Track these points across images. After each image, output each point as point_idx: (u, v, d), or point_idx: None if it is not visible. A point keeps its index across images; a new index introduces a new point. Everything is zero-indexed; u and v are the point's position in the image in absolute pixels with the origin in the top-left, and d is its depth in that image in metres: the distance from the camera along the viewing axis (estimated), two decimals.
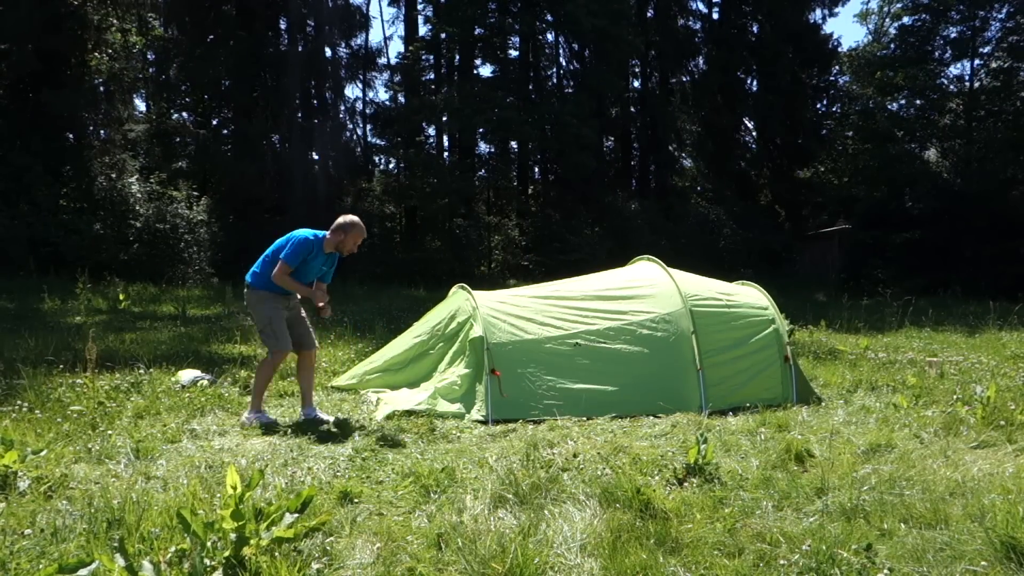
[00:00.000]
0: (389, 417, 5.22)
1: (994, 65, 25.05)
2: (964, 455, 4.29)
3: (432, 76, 27.63)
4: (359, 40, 28.40)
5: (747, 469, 4.08)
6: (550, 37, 27.69)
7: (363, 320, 10.28)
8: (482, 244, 24.54)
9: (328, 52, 26.02)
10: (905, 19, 26.28)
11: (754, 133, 33.96)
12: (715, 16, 32.98)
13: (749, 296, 6.40)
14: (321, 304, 5.11)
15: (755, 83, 32.78)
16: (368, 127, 29.24)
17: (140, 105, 25.52)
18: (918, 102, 26.01)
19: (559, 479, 3.81)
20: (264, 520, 2.83)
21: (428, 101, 24.51)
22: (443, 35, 25.12)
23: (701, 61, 32.68)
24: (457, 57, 27.22)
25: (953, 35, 25.20)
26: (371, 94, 43.61)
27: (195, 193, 19.79)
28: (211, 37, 22.86)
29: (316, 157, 25.62)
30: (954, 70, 26.30)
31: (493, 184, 27.84)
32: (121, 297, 11.60)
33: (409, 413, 5.28)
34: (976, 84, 25.40)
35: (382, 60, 29.89)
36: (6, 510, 3.22)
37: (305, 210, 21.09)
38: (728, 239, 27.26)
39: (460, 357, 5.80)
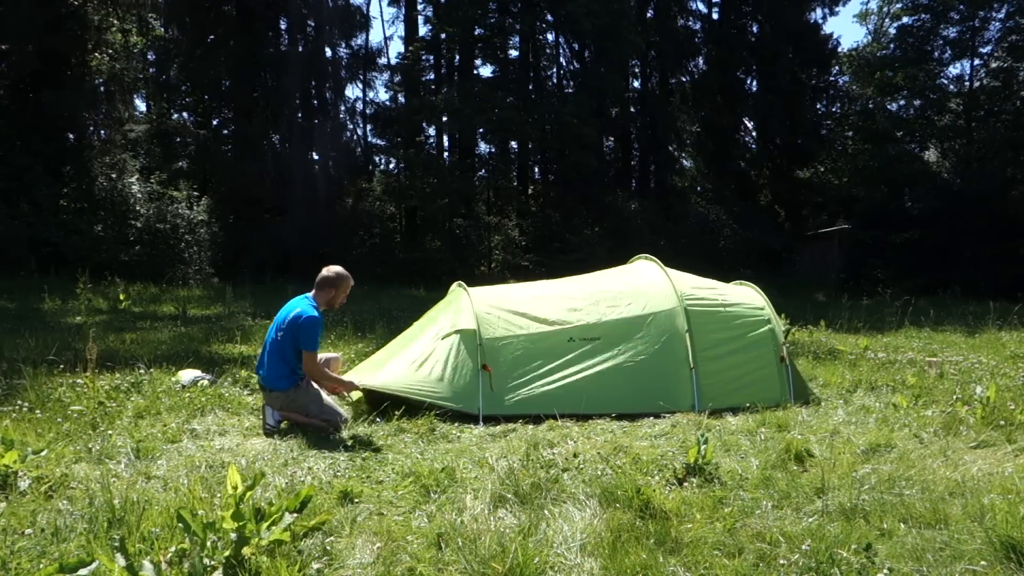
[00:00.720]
0: (360, 400, 5.32)
1: (994, 65, 25.06)
2: (964, 455, 4.29)
3: (432, 76, 27.64)
4: (359, 40, 28.43)
5: (747, 469, 4.09)
6: (550, 37, 27.72)
7: (363, 320, 10.27)
8: (482, 244, 24.54)
9: (328, 52, 26.02)
10: (905, 19, 26.29)
11: (754, 133, 33.97)
12: (715, 16, 33.03)
13: (745, 296, 6.40)
14: (350, 389, 5.25)
15: (755, 83, 32.81)
16: (368, 127, 29.28)
17: (140, 105, 25.59)
18: (918, 102, 26.03)
19: (559, 479, 3.81)
20: (264, 520, 2.83)
21: (428, 101, 24.51)
22: (443, 35, 25.12)
23: (701, 61, 32.70)
24: (457, 57, 27.23)
25: (953, 35, 25.21)
26: (371, 94, 43.58)
27: (195, 193, 19.81)
28: (211, 37, 22.88)
29: (316, 157, 25.64)
30: (954, 70, 26.40)
31: (493, 184, 27.85)
32: (121, 297, 11.61)
33: (409, 415, 5.26)
34: (976, 84, 25.41)
35: (382, 60, 29.93)
36: (6, 510, 3.22)
37: (305, 210, 21.13)
38: (728, 239, 27.27)
39: (450, 349, 5.67)
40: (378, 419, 5.15)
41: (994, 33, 24.80)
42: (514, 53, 27.12)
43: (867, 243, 23.65)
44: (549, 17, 25.60)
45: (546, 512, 3.34)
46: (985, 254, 21.33)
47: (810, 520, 3.29)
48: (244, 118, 22.25)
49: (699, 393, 5.61)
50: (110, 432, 4.59)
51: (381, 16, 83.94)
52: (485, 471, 4.00)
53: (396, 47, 75.77)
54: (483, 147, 28.67)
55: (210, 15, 22.95)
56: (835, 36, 45.28)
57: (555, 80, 28.67)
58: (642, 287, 6.21)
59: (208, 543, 2.71)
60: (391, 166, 28.65)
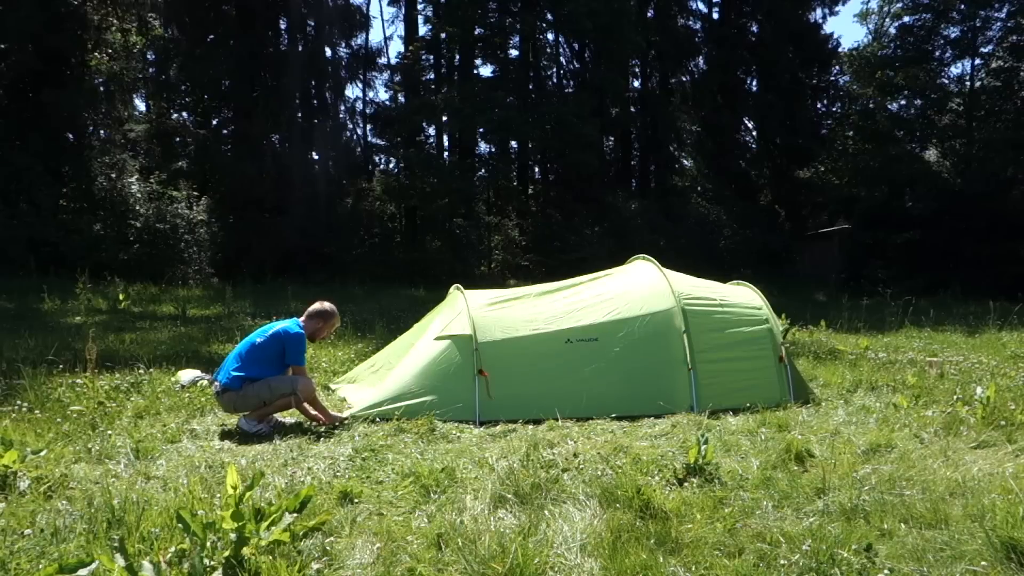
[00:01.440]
0: (355, 418, 5.16)
1: (994, 65, 25.05)
2: (964, 455, 4.28)
3: (432, 76, 27.64)
4: (359, 40, 28.48)
5: (747, 469, 4.08)
6: (550, 37, 27.71)
7: (363, 320, 10.28)
8: (482, 244, 24.54)
9: (328, 52, 26.06)
10: (905, 19, 26.31)
11: (754, 133, 33.96)
12: (715, 16, 33.03)
13: (743, 296, 6.39)
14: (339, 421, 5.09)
15: (755, 83, 32.80)
16: (368, 127, 29.31)
17: (140, 105, 25.61)
18: (918, 102, 26.03)
19: (559, 479, 3.81)
20: (264, 520, 2.83)
21: (428, 101, 24.51)
22: (443, 35, 25.13)
23: (701, 61, 32.69)
24: (457, 57, 27.23)
25: (953, 35, 25.23)
26: (371, 94, 43.60)
27: (195, 193, 19.81)
28: (211, 37, 22.89)
29: (316, 157, 25.65)
30: (954, 70, 26.37)
31: (493, 184, 27.84)
32: (121, 297, 11.60)
33: (409, 415, 5.25)
34: (976, 84, 25.40)
35: (382, 60, 29.96)
36: (6, 510, 3.22)
37: (305, 210, 21.13)
38: (728, 239, 27.28)
39: (446, 356, 5.62)
40: (378, 419, 5.15)
41: (995, 33, 24.82)
42: (514, 53, 27.14)
43: (867, 243, 23.66)
44: (549, 16, 25.62)
45: (546, 512, 3.34)
46: (985, 254, 21.33)
47: (810, 520, 3.29)
48: (244, 118, 22.26)
49: (697, 393, 5.60)
50: (110, 432, 4.59)
51: (381, 16, 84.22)
52: (485, 471, 4.00)
53: (396, 47, 75.92)
54: (483, 147, 28.71)
55: (210, 15, 22.95)
56: (835, 36, 45.47)
57: (555, 80, 28.69)
58: (640, 287, 6.20)
59: (208, 543, 2.70)
60: (391, 166, 28.70)
